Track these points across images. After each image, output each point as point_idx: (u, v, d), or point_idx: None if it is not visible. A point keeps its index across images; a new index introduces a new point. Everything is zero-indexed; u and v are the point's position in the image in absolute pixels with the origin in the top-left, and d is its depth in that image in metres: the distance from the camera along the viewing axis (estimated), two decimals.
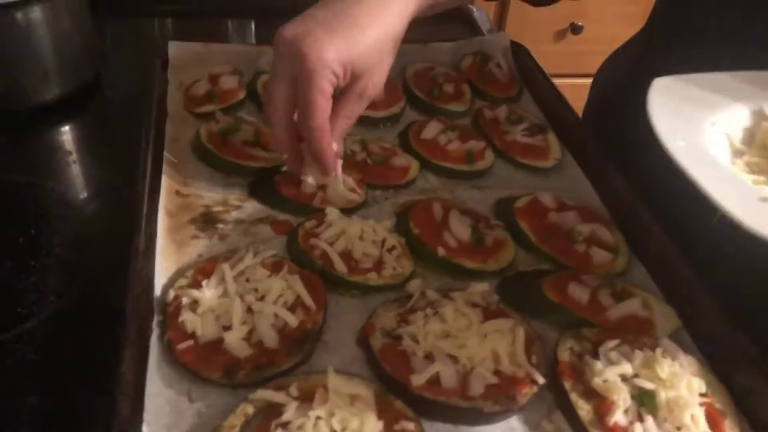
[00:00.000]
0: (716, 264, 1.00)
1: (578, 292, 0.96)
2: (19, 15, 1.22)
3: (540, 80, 1.47)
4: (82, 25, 1.38)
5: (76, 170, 1.22)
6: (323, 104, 0.91)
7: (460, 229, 1.04)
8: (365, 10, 0.91)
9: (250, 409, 0.79)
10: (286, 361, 0.85)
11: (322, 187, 1.12)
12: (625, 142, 1.20)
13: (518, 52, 1.56)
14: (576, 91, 1.58)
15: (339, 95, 0.96)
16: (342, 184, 1.09)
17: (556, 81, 1.44)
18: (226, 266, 0.92)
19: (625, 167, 1.17)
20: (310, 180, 1.09)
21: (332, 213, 1.04)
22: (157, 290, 0.93)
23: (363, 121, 1.33)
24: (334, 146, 0.98)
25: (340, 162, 1.05)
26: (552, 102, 1.41)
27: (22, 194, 1.13)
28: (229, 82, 1.34)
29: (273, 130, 0.99)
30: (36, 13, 1.24)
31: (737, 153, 0.89)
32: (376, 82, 0.96)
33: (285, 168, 1.14)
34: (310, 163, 1.04)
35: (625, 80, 1.33)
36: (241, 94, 1.34)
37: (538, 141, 1.29)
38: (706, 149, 0.84)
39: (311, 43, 0.87)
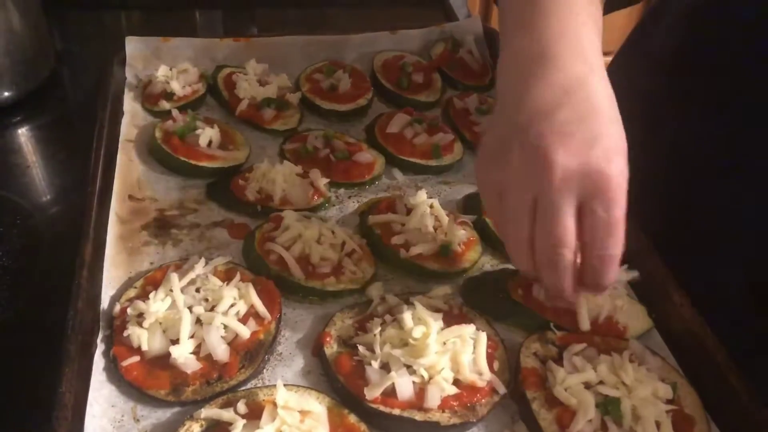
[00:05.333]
0: None
1: (544, 293, 0.92)
2: None
3: None
4: (35, 22, 1.32)
5: (28, 175, 1.18)
6: (624, 221, 0.72)
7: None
8: (605, 102, 0.74)
9: (196, 428, 0.76)
10: (236, 375, 0.82)
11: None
12: None
13: (492, 37, 1.51)
14: None
15: None
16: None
17: None
18: (174, 275, 0.88)
19: None
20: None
21: (289, 216, 0.99)
22: (105, 302, 0.89)
23: (329, 116, 1.29)
24: None
25: None
26: None
27: None
28: (189, 78, 1.29)
29: (559, 279, 0.74)
30: None
31: None
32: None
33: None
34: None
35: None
36: (202, 90, 1.29)
37: None
38: None
39: (603, 155, 0.69)
